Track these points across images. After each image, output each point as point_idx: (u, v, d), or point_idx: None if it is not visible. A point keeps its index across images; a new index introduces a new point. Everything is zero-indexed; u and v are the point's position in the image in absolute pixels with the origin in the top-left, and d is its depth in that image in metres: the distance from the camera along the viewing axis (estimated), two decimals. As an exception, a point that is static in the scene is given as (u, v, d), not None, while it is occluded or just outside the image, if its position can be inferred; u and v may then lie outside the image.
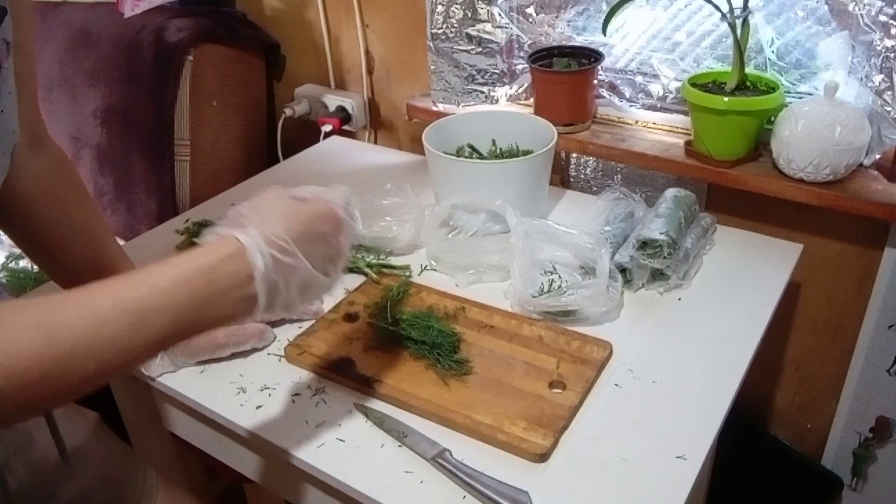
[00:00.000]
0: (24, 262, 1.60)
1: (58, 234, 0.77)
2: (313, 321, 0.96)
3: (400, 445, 0.78)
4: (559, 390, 0.83)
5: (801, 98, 1.13)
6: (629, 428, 0.79)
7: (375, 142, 1.68)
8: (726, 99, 1.09)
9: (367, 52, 1.56)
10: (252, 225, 0.60)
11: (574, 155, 1.37)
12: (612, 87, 1.32)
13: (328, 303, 0.98)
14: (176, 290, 0.55)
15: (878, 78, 1.03)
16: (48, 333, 0.49)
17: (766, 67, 1.16)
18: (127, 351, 0.53)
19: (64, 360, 0.50)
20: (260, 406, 0.84)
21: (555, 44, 1.33)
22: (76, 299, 0.52)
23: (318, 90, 1.66)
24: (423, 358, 0.88)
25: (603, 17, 1.17)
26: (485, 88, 1.39)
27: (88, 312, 0.52)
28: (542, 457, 0.75)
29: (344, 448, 0.78)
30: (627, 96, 1.30)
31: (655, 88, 1.27)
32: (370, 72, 1.59)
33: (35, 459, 0.74)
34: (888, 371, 1.20)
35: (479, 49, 1.36)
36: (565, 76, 1.27)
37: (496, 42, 1.35)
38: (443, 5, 1.34)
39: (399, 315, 0.92)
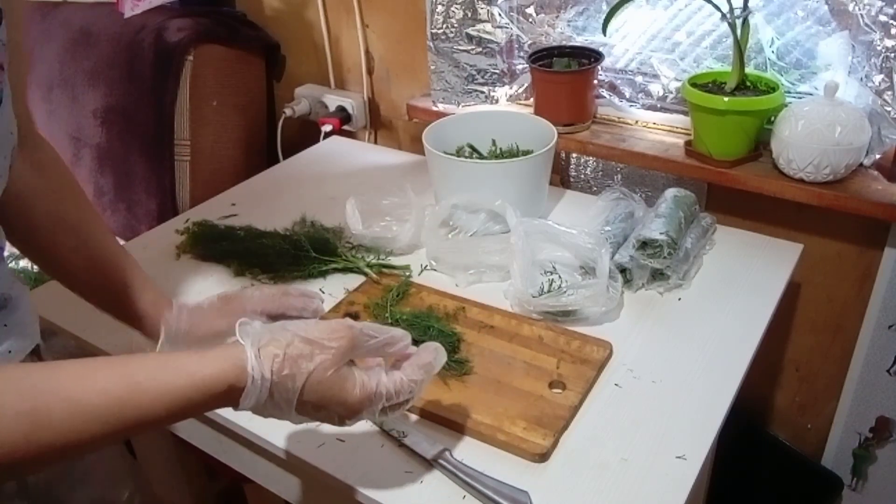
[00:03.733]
0: (24, 262, 1.60)
1: (52, 232, 0.76)
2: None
3: (400, 445, 0.78)
4: (559, 390, 0.83)
5: (801, 98, 1.13)
6: (629, 428, 0.79)
7: (375, 142, 1.68)
8: (726, 99, 1.09)
9: (367, 52, 1.56)
10: (277, 365, 0.57)
11: (574, 155, 1.37)
12: (612, 87, 1.32)
13: (328, 303, 0.98)
14: (173, 406, 0.54)
15: (878, 78, 1.03)
16: (36, 424, 0.49)
17: (766, 67, 1.16)
18: (103, 444, 0.53)
19: (46, 450, 0.49)
20: (260, 406, 0.84)
21: (555, 44, 1.33)
22: (69, 392, 0.51)
23: (318, 90, 1.66)
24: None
25: (603, 17, 1.17)
26: (485, 88, 1.39)
27: (80, 411, 0.51)
28: (542, 457, 0.75)
29: (344, 448, 0.78)
30: (627, 96, 1.30)
31: (655, 88, 1.27)
32: (370, 72, 1.59)
33: None
34: (888, 371, 1.20)
35: (479, 49, 1.36)
36: (565, 76, 1.27)
37: (496, 42, 1.35)
38: (443, 5, 1.34)
39: (399, 315, 0.92)
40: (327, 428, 0.80)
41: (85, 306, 0.77)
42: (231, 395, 0.56)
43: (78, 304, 0.77)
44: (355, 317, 0.96)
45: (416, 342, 0.87)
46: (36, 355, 0.71)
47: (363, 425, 0.81)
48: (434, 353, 0.67)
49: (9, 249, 0.70)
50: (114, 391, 0.52)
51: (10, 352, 0.64)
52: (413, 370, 0.65)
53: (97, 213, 0.82)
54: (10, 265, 0.70)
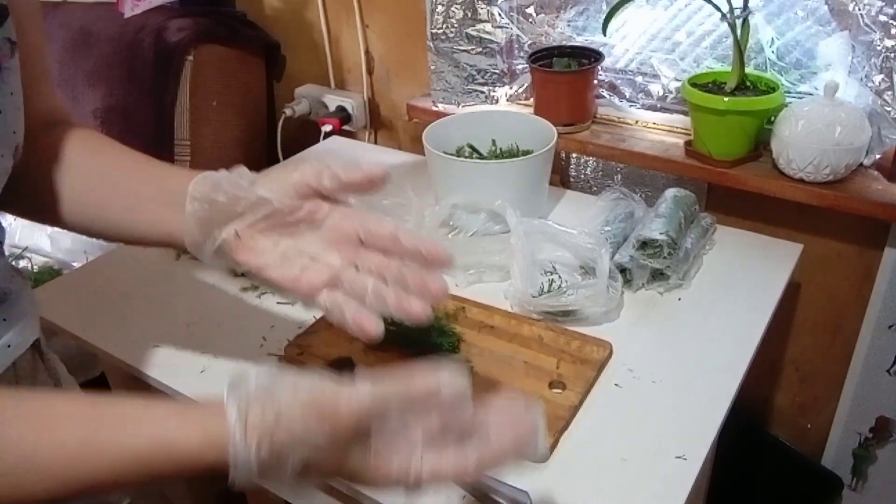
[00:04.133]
0: (24, 263, 1.60)
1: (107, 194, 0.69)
2: (312, 322, 0.96)
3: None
4: (559, 390, 0.83)
5: (801, 98, 1.13)
6: (629, 428, 0.79)
7: (375, 142, 1.68)
8: (726, 99, 1.09)
9: (367, 52, 1.57)
10: (266, 441, 0.47)
11: (574, 155, 1.37)
12: (612, 87, 1.32)
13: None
14: (141, 468, 0.47)
15: (878, 78, 1.03)
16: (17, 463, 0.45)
17: (766, 67, 1.16)
18: (61, 499, 0.47)
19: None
20: (260, 406, 0.84)
21: (555, 44, 1.33)
22: (25, 442, 0.46)
23: (318, 90, 1.66)
24: (423, 358, 0.87)
25: (603, 17, 1.17)
26: (485, 88, 1.39)
27: (35, 465, 0.46)
28: (542, 457, 0.75)
29: (344, 448, 0.78)
30: (627, 96, 1.31)
31: (655, 88, 1.27)
32: (370, 72, 1.59)
33: None
34: (888, 371, 1.20)
35: (479, 49, 1.36)
36: (565, 76, 1.27)
37: (496, 42, 1.35)
38: (443, 5, 1.34)
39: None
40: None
41: (85, 306, 0.77)
42: (215, 470, 0.48)
43: (78, 304, 0.77)
44: None
45: (416, 342, 0.89)
46: (36, 349, 0.71)
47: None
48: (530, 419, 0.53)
49: (10, 249, 0.70)
50: (70, 447, 0.46)
51: (9, 346, 0.63)
52: (492, 440, 0.51)
53: (143, 161, 0.71)
54: (10, 264, 0.70)
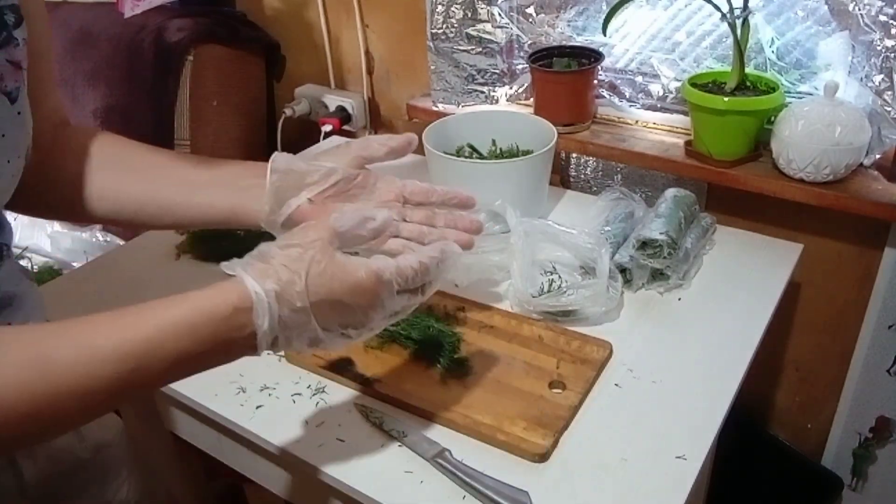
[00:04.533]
0: (24, 263, 1.60)
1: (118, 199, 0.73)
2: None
3: (400, 445, 0.78)
4: (559, 390, 0.83)
5: (801, 98, 1.13)
6: (629, 428, 0.79)
7: (375, 142, 1.68)
8: (726, 99, 1.09)
9: (367, 52, 1.57)
10: (273, 276, 0.56)
11: (574, 155, 1.37)
12: (612, 87, 1.32)
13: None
14: (180, 337, 0.52)
15: (878, 78, 1.03)
16: (44, 370, 0.48)
17: (766, 67, 1.16)
18: (121, 393, 0.52)
19: (57, 399, 0.48)
20: (260, 406, 0.84)
21: (555, 44, 1.33)
22: (74, 337, 0.50)
23: (318, 90, 1.66)
24: (423, 358, 0.88)
25: (603, 17, 1.17)
26: (485, 88, 1.39)
27: (88, 352, 0.50)
28: (542, 457, 0.75)
29: (344, 448, 0.78)
30: (627, 96, 1.31)
31: (655, 88, 1.27)
32: (370, 72, 1.59)
33: (58, 449, 0.74)
34: (888, 371, 1.20)
35: (479, 49, 1.36)
36: (565, 76, 1.27)
37: (496, 42, 1.35)
38: (443, 5, 1.34)
39: None
40: (327, 428, 0.81)
41: (85, 306, 0.77)
42: (239, 318, 0.54)
43: (78, 304, 0.77)
44: None
45: (416, 342, 0.89)
46: None
47: (363, 425, 0.81)
48: (448, 242, 0.65)
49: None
50: (118, 325, 0.52)
51: None
52: (426, 250, 0.63)
53: (162, 155, 0.77)
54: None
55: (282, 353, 0.91)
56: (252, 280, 0.56)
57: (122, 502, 0.83)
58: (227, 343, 0.55)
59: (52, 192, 0.73)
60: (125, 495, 0.83)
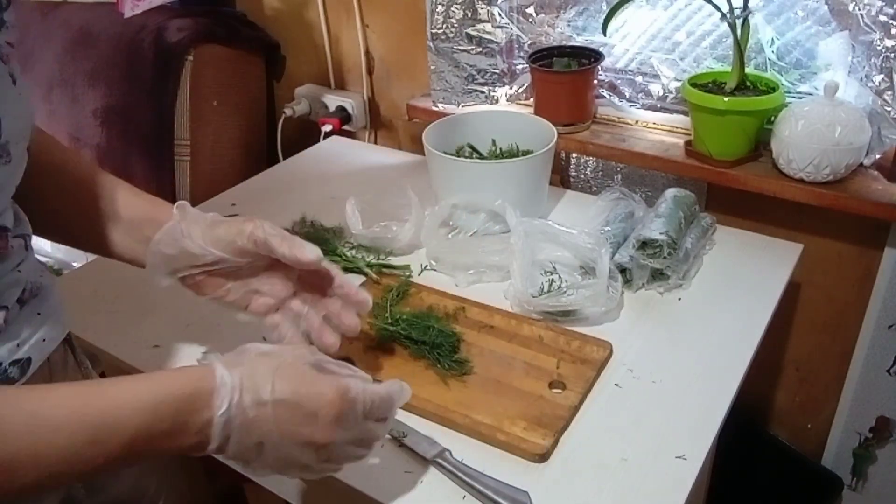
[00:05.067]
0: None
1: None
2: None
3: (400, 445, 0.78)
4: (559, 390, 0.83)
5: (801, 98, 1.13)
6: (629, 428, 0.79)
7: (375, 142, 1.68)
8: (726, 99, 1.09)
9: (367, 52, 1.57)
10: (242, 366, 0.57)
11: (574, 155, 1.37)
12: (612, 87, 1.32)
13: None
14: (142, 413, 0.52)
15: (878, 78, 1.03)
16: (26, 422, 0.48)
17: (766, 67, 1.16)
18: (73, 464, 0.50)
19: (13, 463, 0.47)
20: (260, 406, 0.84)
21: (555, 44, 1.33)
22: (30, 403, 0.50)
23: (318, 90, 1.66)
24: (423, 358, 0.88)
25: (603, 17, 1.18)
26: (485, 88, 1.39)
27: (43, 419, 0.49)
28: (542, 457, 0.75)
29: (344, 448, 0.78)
30: (627, 96, 1.31)
31: (655, 88, 1.27)
32: (370, 72, 1.59)
33: None
34: (888, 371, 1.20)
35: (479, 49, 1.36)
36: (565, 76, 1.27)
37: (496, 42, 1.35)
38: (443, 5, 1.34)
39: (399, 315, 0.92)
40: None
41: (85, 306, 0.77)
42: (200, 400, 0.54)
43: (78, 304, 0.77)
44: None
45: (416, 342, 0.89)
46: (68, 343, 0.72)
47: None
48: (399, 385, 0.64)
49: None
50: (77, 396, 0.51)
51: (44, 340, 0.65)
52: (389, 382, 0.64)
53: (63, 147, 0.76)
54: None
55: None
56: (220, 366, 0.56)
57: (135, 497, 0.83)
58: (185, 426, 0.54)
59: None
60: (138, 489, 0.83)
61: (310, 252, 0.70)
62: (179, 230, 0.72)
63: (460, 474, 0.73)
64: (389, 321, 0.91)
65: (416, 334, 0.89)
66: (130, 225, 0.74)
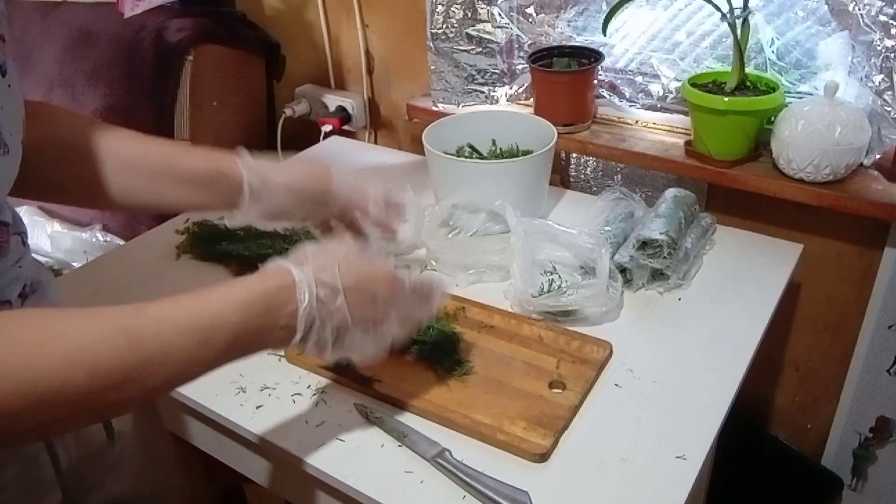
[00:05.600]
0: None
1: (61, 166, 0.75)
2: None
3: (400, 445, 0.78)
4: (559, 390, 0.83)
5: (801, 98, 1.13)
6: (629, 428, 0.79)
7: (375, 142, 1.68)
8: (726, 99, 1.09)
9: (367, 52, 1.56)
10: (309, 264, 0.64)
11: (574, 155, 1.37)
12: (612, 87, 1.32)
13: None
14: (240, 310, 0.59)
15: (878, 78, 1.03)
16: (131, 339, 0.53)
17: (766, 67, 1.16)
18: (191, 364, 0.56)
19: (144, 365, 0.53)
20: (260, 406, 0.84)
21: (555, 44, 1.33)
22: (154, 310, 0.56)
23: (318, 90, 1.66)
24: (422, 358, 0.88)
25: (603, 17, 1.17)
26: (485, 88, 1.39)
27: (167, 323, 0.55)
28: (542, 457, 0.75)
29: (344, 448, 0.78)
30: (627, 96, 1.30)
31: (655, 88, 1.27)
32: (370, 72, 1.59)
33: (84, 433, 0.75)
34: (888, 371, 1.20)
35: (479, 49, 1.36)
36: (565, 76, 1.27)
37: (496, 42, 1.35)
38: (443, 5, 1.34)
39: None
40: (327, 428, 0.81)
41: (86, 305, 0.77)
42: (284, 294, 0.61)
43: (78, 304, 0.77)
44: None
45: (416, 342, 0.88)
46: None
47: (363, 425, 0.81)
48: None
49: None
50: (190, 303, 0.58)
51: None
52: (429, 273, 0.76)
53: (103, 124, 0.79)
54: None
55: (281, 354, 0.91)
56: (293, 265, 0.64)
57: (133, 497, 0.83)
58: (274, 320, 0.61)
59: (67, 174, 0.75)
60: (136, 489, 0.84)
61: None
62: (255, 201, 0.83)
63: (460, 474, 0.73)
64: None
65: (416, 335, 0.88)
66: (196, 182, 0.82)
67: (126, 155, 0.77)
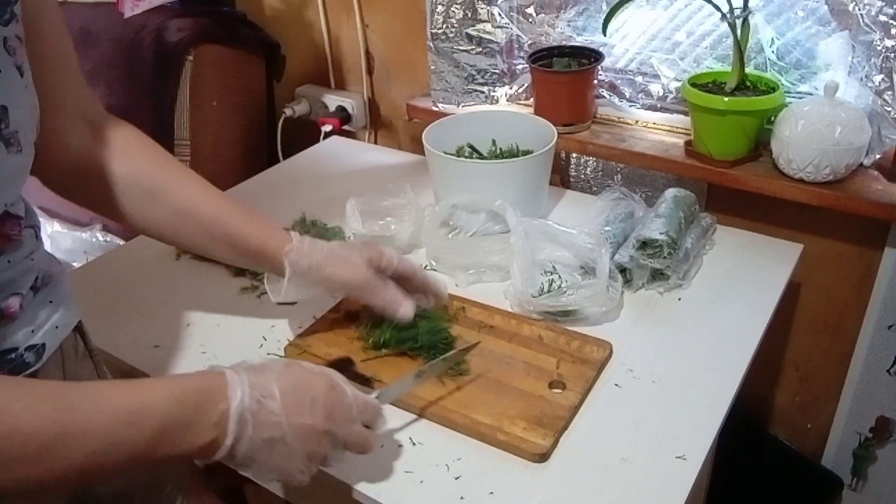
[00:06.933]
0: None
1: (125, 192, 0.78)
2: (312, 322, 0.96)
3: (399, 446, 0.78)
4: (559, 390, 0.83)
5: (801, 98, 1.13)
6: (629, 428, 0.79)
7: (375, 142, 1.68)
8: (726, 99, 1.09)
9: (367, 52, 1.56)
10: (245, 370, 0.62)
11: (574, 155, 1.37)
12: (612, 87, 1.32)
13: (328, 303, 0.98)
14: (170, 398, 0.56)
15: (878, 78, 1.03)
16: (56, 407, 0.51)
17: (766, 67, 1.16)
18: (114, 445, 0.53)
19: (63, 437, 0.50)
20: (260, 406, 0.84)
21: (555, 44, 1.33)
22: (87, 386, 0.56)
23: (318, 90, 1.66)
24: (421, 358, 0.88)
25: (603, 17, 1.17)
26: (485, 88, 1.39)
27: (95, 397, 0.54)
28: (542, 457, 0.75)
29: (344, 448, 0.78)
30: (627, 96, 1.30)
31: (655, 88, 1.27)
32: (370, 72, 1.59)
33: None
34: (888, 371, 1.20)
35: (479, 49, 1.36)
36: (565, 76, 1.27)
37: (496, 42, 1.35)
38: (443, 5, 1.34)
39: (387, 332, 0.89)
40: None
41: (85, 306, 0.77)
42: (216, 392, 0.59)
43: (78, 304, 0.77)
44: (355, 317, 0.96)
45: (414, 342, 0.88)
46: (79, 331, 0.74)
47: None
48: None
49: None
50: (107, 389, 0.56)
51: (56, 327, 0.67)
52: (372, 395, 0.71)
53: (177, 165, 0.83)
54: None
55: (281, 354, 0.91)
56: (228, 369, 0.62)
57: (137, 489, 0.83)
58: (205, 417, 0.57)
59: (96, 190, 0.78)
60: (140, 482, 0.83)
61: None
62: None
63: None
64: (377, 341, 0.90)
65: (413, 334, 0.88)
66: (243, 251, 0.83)
67: (195, 207, 0.80)
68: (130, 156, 0.79)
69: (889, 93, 1.02)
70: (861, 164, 1.08)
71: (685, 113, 1.22)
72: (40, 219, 0.70)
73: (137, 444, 0.54)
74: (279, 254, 0.81)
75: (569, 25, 1.33)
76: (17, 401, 0.49)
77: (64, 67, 0.73)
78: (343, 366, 0.87)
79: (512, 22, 1.34)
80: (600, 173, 1.37)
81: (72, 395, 0.53)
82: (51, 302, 0.67)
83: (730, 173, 1.14)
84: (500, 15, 1.33)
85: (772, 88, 1.11)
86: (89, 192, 0.78)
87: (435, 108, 1.42)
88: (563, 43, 1.33)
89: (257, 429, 0.59)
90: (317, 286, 0.84)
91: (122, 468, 0.54)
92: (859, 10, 1.01)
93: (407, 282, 0.86)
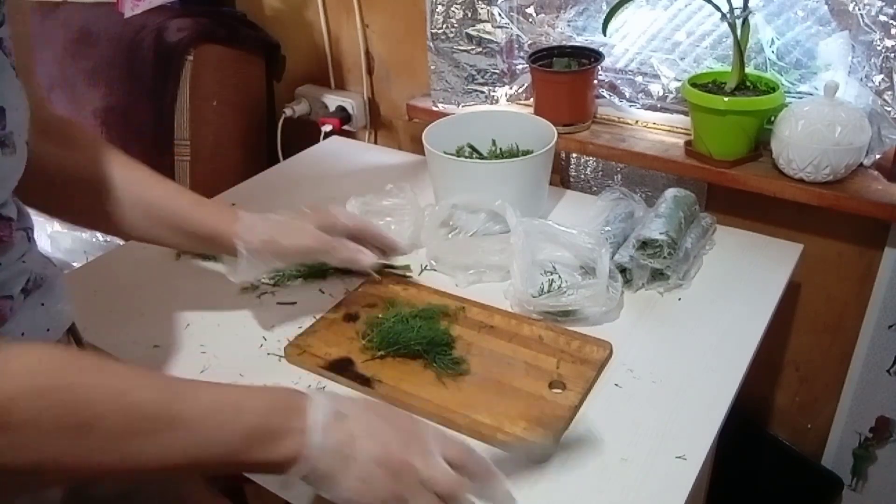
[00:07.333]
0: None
1: (71, 191, 0.79)
2: (312, 322, 0.96)
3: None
4: (559, 390, 0.83)
5: (801, 98, 1.13)
6: (629, 428, 0.79)
7: (375, 142, 1.68)
8: (726, 99, 1.09)
9: (367, 52, 1.56)
10: (351, 422, 0.59)
11: (574, 155, 1.37)
12: (612, 87, 1.32)
13: (327, 303, 0.98)
14: (263, 407, 0.57)
15: (878, 78, 1.03)
16: (170, 395, 0.53)
17: (766, 67, 1.16)
18: (210, 442, 0.54)
19: (173, 423, 0.52)
20: (260, 406, 0.84)
21: (555, 44, 1.33)
22: (187, 381, 0.56)
23: (318, 90, 1.66)
24: (421, 358, 0.88)
25: (603, 17, 1.17)
26: (485, 88, 1.39)
27: (196, 394, 0.55)
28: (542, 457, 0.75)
29: (344, 448, 0.78)
30: (627, 96, 1.30)
31: (655, 88, 1.27)
32: (370, 72, 1.59)
33: None
34: (888, 371, 1.20)
35: (479, 49, 1.36)
36: (565, 76, 1.27)
37: (496, 42, 1.35)
38: (443, 5, 1.34)
39: (384, 334, 0.90)
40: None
41: (85, 306, 0.77)
42: (301, 400, 0.58)
43: (78, 304, 0.77)
44: (355, 317, 0.96)
45: (413, 342, 0.88)
46: (72, 334, 0.74)
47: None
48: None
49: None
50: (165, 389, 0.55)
51: (48, 329, 0.67)
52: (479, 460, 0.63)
53: (122, 158, 0.83)
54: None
55: (281, 354, 0.91)
56: (306, 391, 0.61)
57: (137, 489, 0.83)
58: (290, 421, 0.57)
59: (51, 192, 0.77)
60: (130, 489, 0.84)
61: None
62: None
63: None
64: (378, 341, 0.90)
65: (413, 334, 0.88)
66: (199, 237, 0.86)
67: (142, 196, 0.82)
68: (75, 152, 0.79)
69: (889, 93, 1.02)
70: (861, 164, 1.08)
71: (685, 113, 1.22)
72: (41, 219, 0.69)
73: (231, 444, 0.55)
74: (232, 229, 0.83)
75: (569, 25, 1.33)
76: (136, 380, 0.53)
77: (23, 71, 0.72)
78: (343, 366, 0.87)
79: (512, 22, 1.34)
80: (600, 173, 1.37)
81: (176, 385, 0.55)
82: (42, 305, 0.67)
83: (730, 173, 1.14)
84: (500, 15, 1.33)
85: (772, 88, 1.11)
86: (44, 196, 0.77)
87: (435, 108, 1.42)
88: (563, 43, 1.33)
89: (332, 441, 0.58)
90: (274, 259, 0.86)
91: (210, 468, 0.55)
92: (859, 10, 1.01)
93: (360, 239, 0.91)
